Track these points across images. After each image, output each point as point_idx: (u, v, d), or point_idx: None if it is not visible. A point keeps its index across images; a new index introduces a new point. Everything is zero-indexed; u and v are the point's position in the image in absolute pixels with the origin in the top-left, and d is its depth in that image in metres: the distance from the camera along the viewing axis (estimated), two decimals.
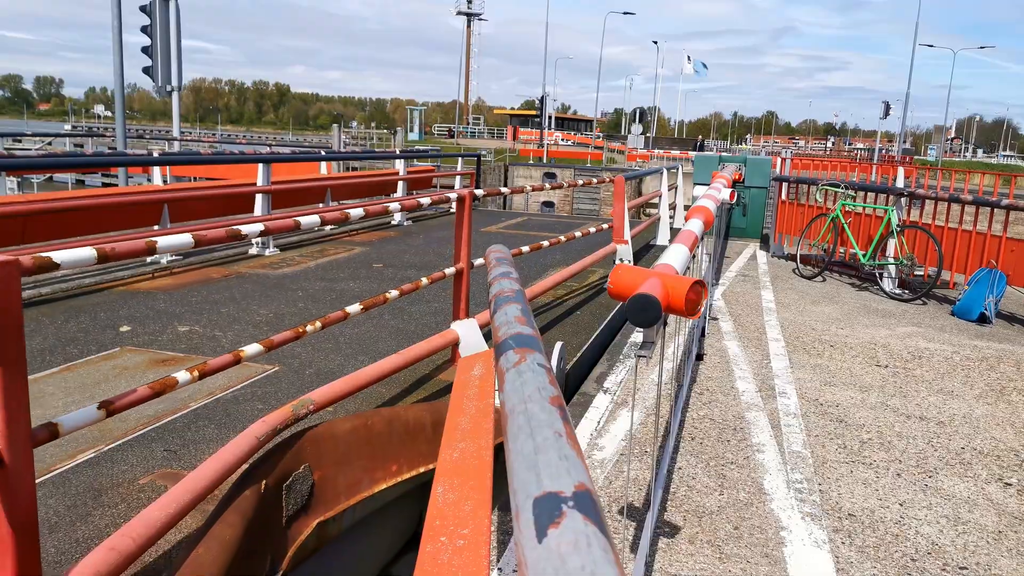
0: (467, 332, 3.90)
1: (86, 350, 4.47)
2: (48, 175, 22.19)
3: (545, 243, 6.03)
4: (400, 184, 12.04)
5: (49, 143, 24.42)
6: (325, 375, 4.09)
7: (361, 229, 10.54)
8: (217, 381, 3.87)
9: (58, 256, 1.86)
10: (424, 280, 4.14)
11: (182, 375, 2.41)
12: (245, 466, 2.60)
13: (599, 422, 4.02)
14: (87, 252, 1.93)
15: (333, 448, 3.01)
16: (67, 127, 51.75)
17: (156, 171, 9.04)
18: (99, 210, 6.86)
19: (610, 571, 0.47)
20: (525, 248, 5.66)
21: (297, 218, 2.97)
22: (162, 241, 2.24)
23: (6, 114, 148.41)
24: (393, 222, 11.34)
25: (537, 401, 0.80)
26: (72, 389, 3.83)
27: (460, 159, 14.08)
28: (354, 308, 3.47)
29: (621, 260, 7.49)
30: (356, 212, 3.53)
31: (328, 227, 9.87)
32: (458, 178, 13.84)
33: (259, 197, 8.26)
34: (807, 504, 3.23)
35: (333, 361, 4.42)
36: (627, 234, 7.49)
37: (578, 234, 6.94)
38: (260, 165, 8.34)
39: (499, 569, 2.58)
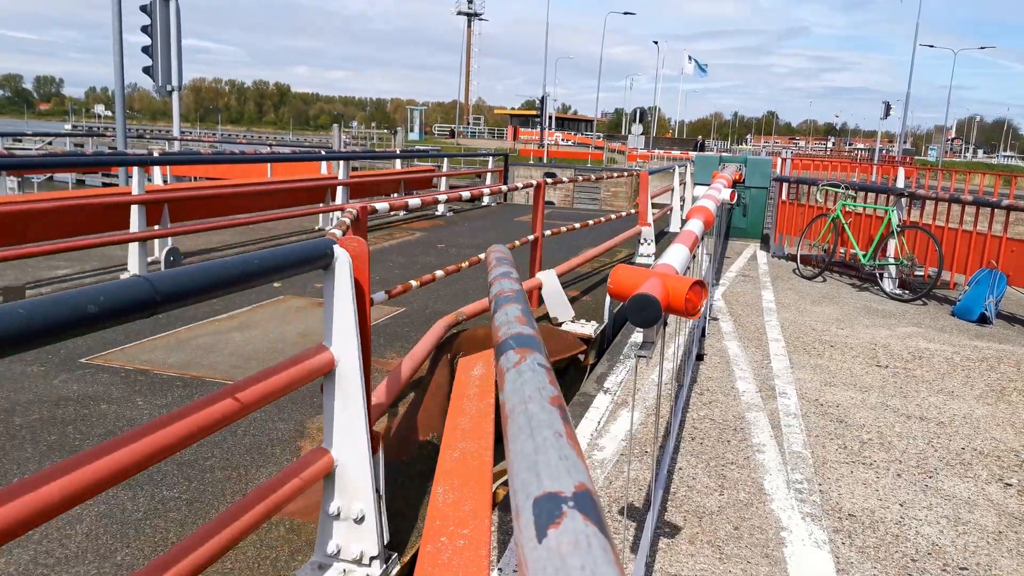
0: (547, 278, 5.87)
1: (258, 299, 6.04)
2: (48, 175, 22.18)
3: (591, 222, 7.72)
4: (443, 180, 14.08)
5: (49, 143, 24.42)
6: (439, 314, 5.28)
7: (412, 218, 12.26)
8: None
9: (378, 205, 3.50)
10: (517, 242, 5.77)
11: (413, 282, 3.94)
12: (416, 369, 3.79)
13: (599, 422, 4.02)
14: (384, 204, 3.22)
15: (475, 345, 4.49)
16: (67, 127, 51.74)
17: (156, 171, 9.04)
18: (102, 209, 6.87)
19: (610, 571, 0.47)
20: (577, 224, 7.41)
21: (437, 196, 4.89)
22: (411, 201, 3.77)
23: (6, 114, 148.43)
24: (437, 213, 13.07)
25: (537, 401, 0.79)
26: (271, 318, 5.57)
27: (491, 158, 16.81)
28: (465, 264, 4.79)
29: (645, 240, 9.24)
30: (465, 194, 5.55)
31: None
32: (489, 175, 16.23)
33: (340, 189, 10.48)
34: (807, 504, 3.23)
35: (440, 305, 5.99)
36: (650, 218, 9.17)
37: (613, 217, 9.15)
38: (341, 163, 10.58)
39: (499, 569, 2.58)
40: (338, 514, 2.38)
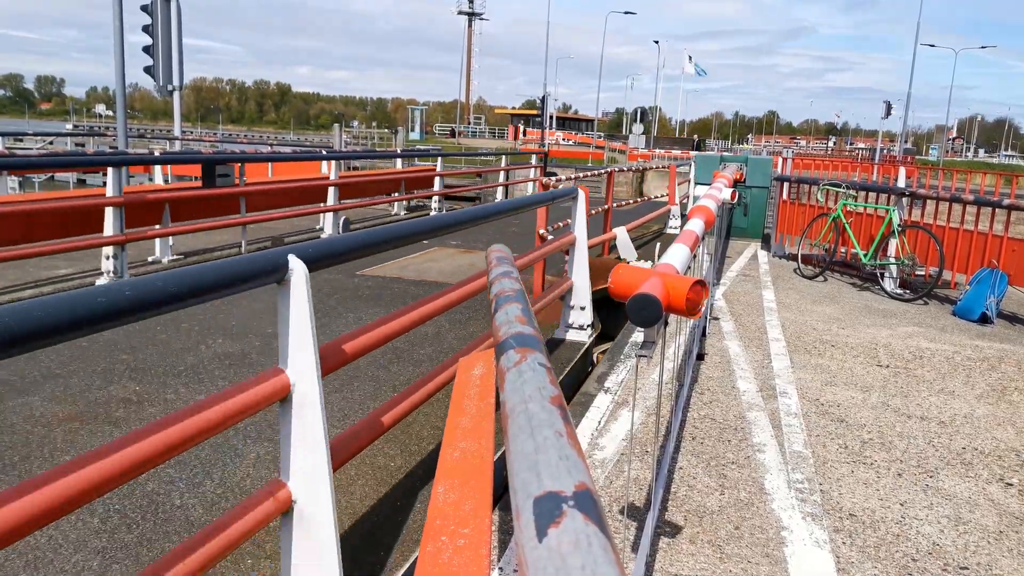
0: (620, 232, 7.30)
1: (419, 249, 8.73)
2: (50, 174, 22.19)
3: (639, 199, 12.82)
4: (502, 174, 17.62)
5: (51, 142, 24.44)
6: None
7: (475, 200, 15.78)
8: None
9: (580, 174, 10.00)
10: (601, 208, 8.95)
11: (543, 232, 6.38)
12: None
13: (600, 422, 4.01)
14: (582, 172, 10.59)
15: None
16: (68, 126, 51.77)
17: (157, 170, 9.04)
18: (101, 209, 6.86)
19: (610, 571, 0.47)
20: (631, 202, 12.88)
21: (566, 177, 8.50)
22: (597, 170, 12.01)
23: (8, 113, 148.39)
24: (497, 198, 17.07)
25: (537, 401, 0.79)
26: (441, 258, 8.49)
27: (533, 156, 20.71)
28: (593, 212, 7.22)
29: (673, 216, 12.66)
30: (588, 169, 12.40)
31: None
32: (532, 170, 19.59)
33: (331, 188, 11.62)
34: (808, 504, 3.23)
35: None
36: (677, 199, 12.80)
37: (656, 196, 13.90)
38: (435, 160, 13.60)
39: (500, 569, 2.58)
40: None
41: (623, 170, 12.88)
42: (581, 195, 5.38)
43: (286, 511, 2.01)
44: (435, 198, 13.83)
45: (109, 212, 6.37)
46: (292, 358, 1.97)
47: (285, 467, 2.01)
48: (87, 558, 2.51)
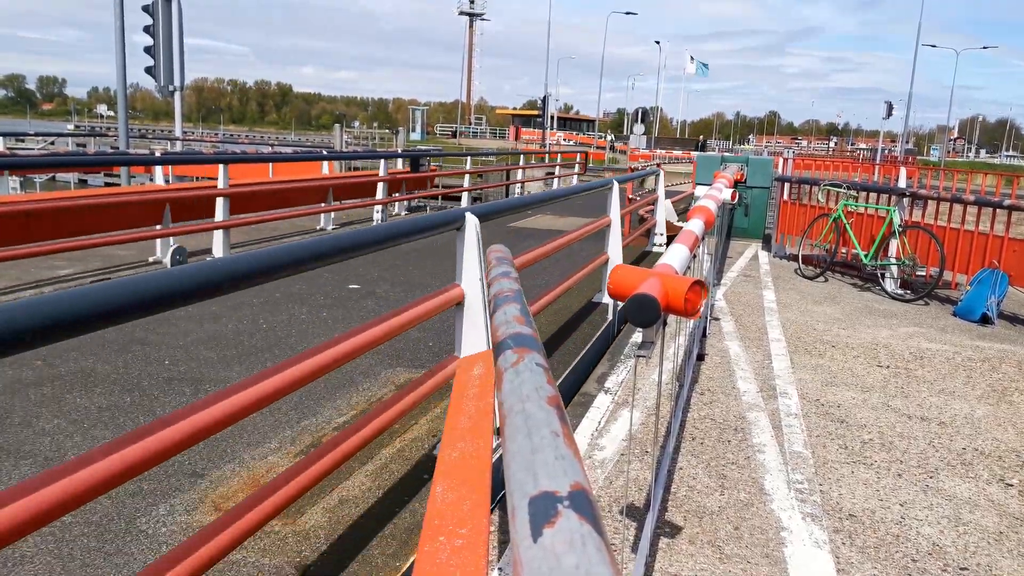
0: (667, 203, 10.25)
1: (523, 217, 11.92)
2: (51, 174, 22.21)
3: (665, 188, 14.25)
4: (556, 169, 22.36)
5: (52, 143, 24.46)
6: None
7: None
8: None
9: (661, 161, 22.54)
10: (645, 191, 12.88)
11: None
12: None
13: (600, 422, 4.01)
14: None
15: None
16: (70, 127, 51.85)
17: (158, 171, 9.06)
18: (103, 209, 6.87)
19: (604, 571, 0.47)
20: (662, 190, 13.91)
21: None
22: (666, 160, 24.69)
23: (9, 114, 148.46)
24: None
25: (535, 401, 0.79)
26: (555, 220, 12.68)
27: (577, 154, 24.60)
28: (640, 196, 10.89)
29: (696, 198, 14.36)
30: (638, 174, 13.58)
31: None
32: (577, 165, 23.29)
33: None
34: (808, 504, 3.23)
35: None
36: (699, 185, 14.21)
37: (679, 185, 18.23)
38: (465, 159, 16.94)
39: (499, 569, 2.58)
40: None
41: (661, 164, 15.34)
42: (661, 172, 10.38)
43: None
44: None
45: (380, 186, 11.57)
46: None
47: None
48: None
